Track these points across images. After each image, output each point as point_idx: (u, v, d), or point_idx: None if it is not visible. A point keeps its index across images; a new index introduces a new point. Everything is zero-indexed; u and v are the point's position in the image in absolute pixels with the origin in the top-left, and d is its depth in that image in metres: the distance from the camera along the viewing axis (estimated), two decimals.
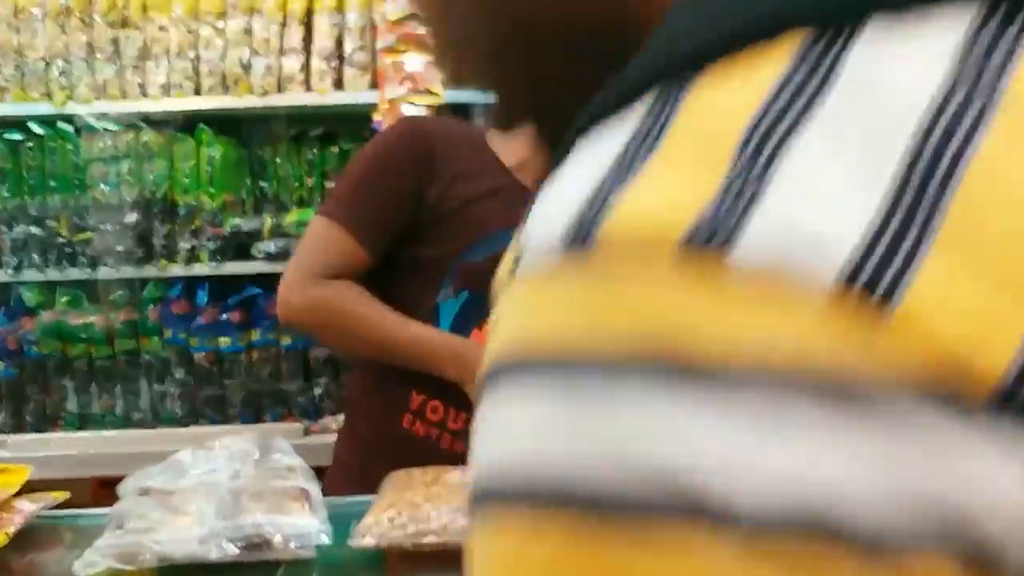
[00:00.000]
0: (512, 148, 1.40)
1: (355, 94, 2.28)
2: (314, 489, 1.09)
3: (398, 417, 1.38)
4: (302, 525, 1.01)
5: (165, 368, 2.33)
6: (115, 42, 2.30)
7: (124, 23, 2.31)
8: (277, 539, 0.99)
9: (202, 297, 2.31)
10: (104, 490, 2.31)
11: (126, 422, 2.34)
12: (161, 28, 2.29)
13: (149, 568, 0.99)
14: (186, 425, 2.31)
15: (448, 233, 1.34)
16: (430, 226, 1.34)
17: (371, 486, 1.14)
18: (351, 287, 1.32)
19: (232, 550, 0.97)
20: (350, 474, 1.42)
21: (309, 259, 1.34)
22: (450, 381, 1.30)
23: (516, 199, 1.38)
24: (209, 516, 1.02)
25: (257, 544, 0.99)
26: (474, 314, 1.35)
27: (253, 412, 2.34)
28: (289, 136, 2.38)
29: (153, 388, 2.34)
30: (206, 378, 2.32)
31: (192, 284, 2.33)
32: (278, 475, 1.13)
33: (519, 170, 1.36)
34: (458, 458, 1.26)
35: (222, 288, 2.34)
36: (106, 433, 2.31)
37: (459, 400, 1.35)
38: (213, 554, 0.97)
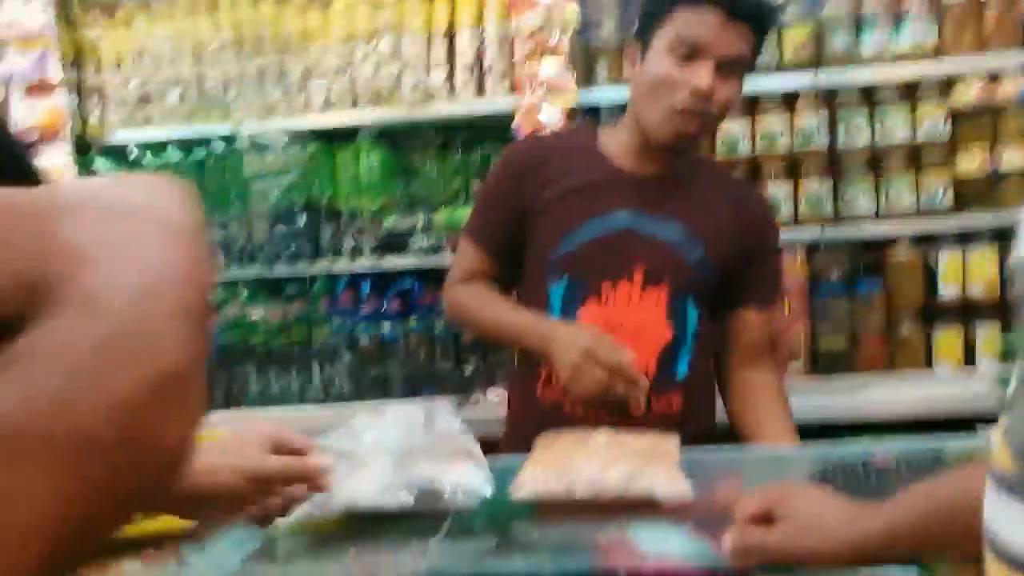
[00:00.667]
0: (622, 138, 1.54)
1: (495, 101, 2.42)
2: (476, 449, 1.21)
3: (534, 388, 1.53)
4: (469, 479, 1.12)
5: (335, 352, 2.57)
6: (281, 66, 2.55)
7: (288, 49, 2.56)
8: (447, 490, 1.10)
9: (365, 288, 2.54)
10: None
11: (302, 400, 2.60)
12: (321, 51, 2.53)
13: (337, 514, 1.12)
14: (351, 401, 2.54)
15: (543, 231, 1.53)
16: (532, 227, 1.54)
17: (524, 447, 1.28)
18: (478, 288, 1.60)
19: (408, 499, 1.09)
20: (508, 437, 1.60)
21: (453, 269, 1.66)
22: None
23: (610, 189, 1.50)
24: (387, 470, 1.13)
25: (430, 494, 1.10)
26: (576, 295, 1.48)
27: (411, 390, 2.54)
28: (437, 143, 2.56)
29: (324, 370, 2.59)
30: (370, 360, 2.55)
31: (356, 278, 2.56)
32: (444, 436, 1.25)
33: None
34: (579, 420, 1.40)
35: (382, 281, 2.56)
36: (283, 408, 2.56)
37: None
38: (392, 502, 1.08)
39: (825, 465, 1.13)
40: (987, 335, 2.39)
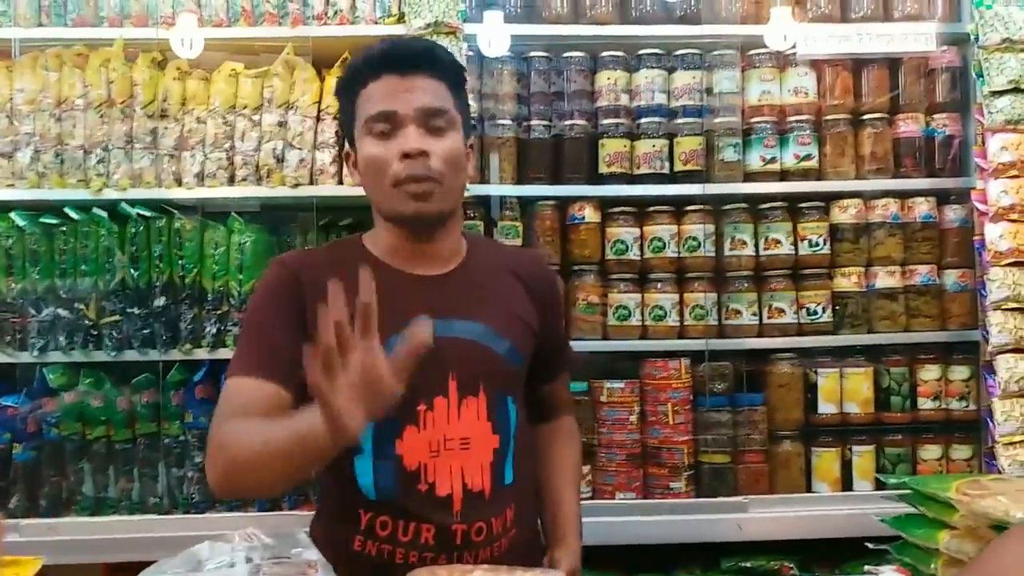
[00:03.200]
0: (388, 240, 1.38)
1: None
2: None
3: (351, 540, 1.33)
4: None
5: (185, 452, 2.31)
6: (153, 132, 2.36)
7: (163, 115, 2.38)
8: None
9: None
10: None
11: (142, 507, 2.31)
12: (199, 120, 2.37)
13: None
14: (203, 511, 2.28)
15: None
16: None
17: None
18: (241, 423, 1.20)
19: None
20: None
21: (220, 425, 1.22)
22: (393, 492, 1.26)
23: (402, 297, 1.31)
24: None
25: None
26: (389, 427, 1.29)
27: (271, 499, 2.31)
28: (319, 224, 2.42)
29: (172, 473, 2.32)
30: None
31: (217, 369, 2.34)
32: (298, 570, 1.10)
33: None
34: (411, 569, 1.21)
35: None
36: (119, 518, 2.28)
37: (406, 512, 1.30)
38: None
39: None
40: (862, 456, 2.42)
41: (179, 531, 2.18)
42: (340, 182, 2.35)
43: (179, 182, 2.36)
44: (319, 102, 2.38)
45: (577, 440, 1.61)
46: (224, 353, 2.31)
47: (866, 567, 1.20)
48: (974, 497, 0.92)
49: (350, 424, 1.01)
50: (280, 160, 2.35)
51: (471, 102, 2.24)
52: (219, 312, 2.33)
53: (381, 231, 1.39)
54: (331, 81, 2.39)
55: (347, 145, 1.41)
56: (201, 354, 2.32)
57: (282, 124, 2.36)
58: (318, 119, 2.37)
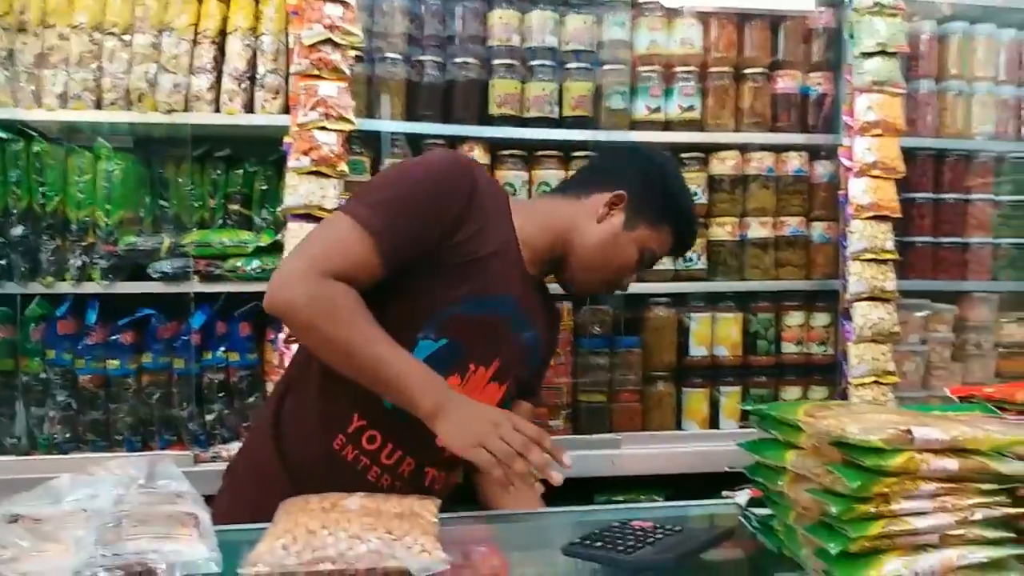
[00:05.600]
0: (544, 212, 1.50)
1: (266, 116, 2.25)
2: (204, 515, 1.05)
3: (331, 437, 1.35)
4: (189, 552, 0.95)
5: (47, 390, 2.20)
6: (10, 47, 2.20)
7: (21, 28, 2.21)
8: (161, 568, 0.92)
9: (91, 316, 2.20)
10: None
11: (0, 449, 2.19)
12: (61, 37, 2.20)
13: None
14: (66, 452, 2.18)
15: (452, 281, 1.33)
16: (440, 265, 1.32)
17: (261, 512, 1.11)
18: (357, 296, 1.27)
19: None
20: (238, 499, 1.38)
21: (326, 255, 1.27)
22: (406, 417, 1.26)
23: (511, 271, 1.40)
24: (87, 544, 0.95)
25: (140, 573, 0.91)
26: (448, 361, 1.33)
27: (141, 439, 2.23)
28: (193, 156, 2.32)
29: (31, 412, 2.20)
30: (90, 402, 2.20)
31: (81, 303, 2.22)
32: (165, 500, 1.08)
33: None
34: (380, 492, 1.23)
35: (114, 308, 2.23)
36: None
37: (402, 438, 1.33)
38: None
39: (585, 531, 1.09)
40: (729, 397, 2.55)
41: (40, 473, 2.07)
42: (217, 109, 2.25)
43: (39, 102, 2.20)
44: (196, 24, 2.25)
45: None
46: (91, 287, 2.20)
47: (723, 492, 1.28)
48: (818, 419, 0.99)
49: (454, 443, 1.20)
50: (153, 84, 2.22)
51: (362, 36, 2.19)
52: (84, 244, 2.20)
53: (540, 232, 1.45)
54: (210, 3, 2.26)
55: (629, 196, 1.47)
56: (64, 287, 2.20)
57: (155, 46, 2.23)
58: (195, 42, 2.25)
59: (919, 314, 2.64)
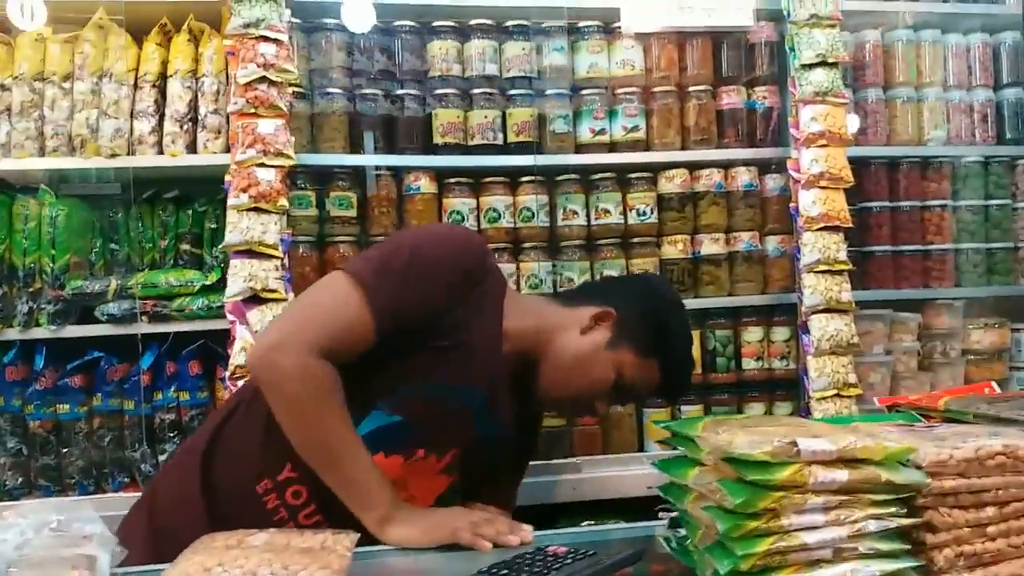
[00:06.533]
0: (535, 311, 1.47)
1: (208, 156, 2.26)
2: (104, 557, 1.05)
3: (259, 478, 1.34)
4: None
5: None
6: None
7: None
8: None
9: (39, 361, 2.19)
10: None
11: None
12: (2, 87, 2.23)
13: None
14: (17, 499, 2.17)
15: (427, 361, 1.30)
16: (419, 342, 1.29)
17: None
18: (339, 379, 1.25)
19: None
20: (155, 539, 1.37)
21: (326, 329, 1.25)
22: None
23: (486, 364, 1.37)
24: None
25: None
26: (394, 439, 1.33)
27: (94, 482, 2.22)
28: (143, 198, 2.32)
29: None
30: (41, 447, 2.19)
31: (29, 348, 2.22)
32: (70, 543, 1.08)
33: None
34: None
35: (62, 352, 2.23)
36: None
37: (326, 501, 1.31)
38: None
39: (500, 559, 1.08)
40: (689, 416, 2.53)
41: None
42: (160, 152, 2.26)
43: None
44: (136, 69, 2.27)
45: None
46: (38, 332, 2.20)
47: (659, 510, 1.27)
48: (711, 434, 0.98)
49: (422, 540, 1.23)
50: (95, 130, 2.24)
51: (300, 74, 2.20)
52: (31, 290, 2.21)
53: (527, 333, 1.41)
54: (149, 48, 2.29)
55: (619, 316, 1.44)
56: (12, 334, 2.20)
57: (95, 92, 2.25)
58: (136, 87, 2.27)
59: (882, 324, 2.62)
